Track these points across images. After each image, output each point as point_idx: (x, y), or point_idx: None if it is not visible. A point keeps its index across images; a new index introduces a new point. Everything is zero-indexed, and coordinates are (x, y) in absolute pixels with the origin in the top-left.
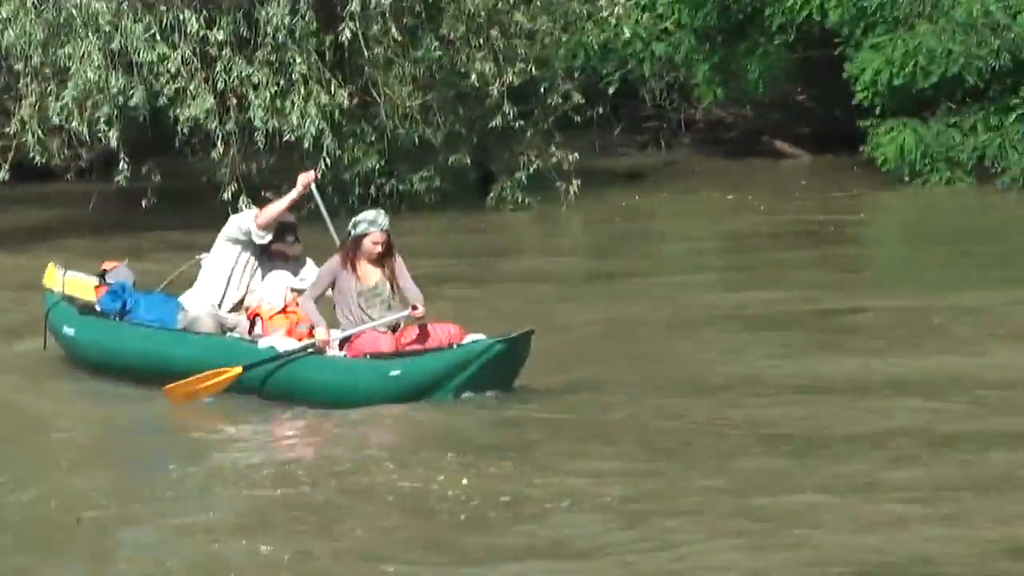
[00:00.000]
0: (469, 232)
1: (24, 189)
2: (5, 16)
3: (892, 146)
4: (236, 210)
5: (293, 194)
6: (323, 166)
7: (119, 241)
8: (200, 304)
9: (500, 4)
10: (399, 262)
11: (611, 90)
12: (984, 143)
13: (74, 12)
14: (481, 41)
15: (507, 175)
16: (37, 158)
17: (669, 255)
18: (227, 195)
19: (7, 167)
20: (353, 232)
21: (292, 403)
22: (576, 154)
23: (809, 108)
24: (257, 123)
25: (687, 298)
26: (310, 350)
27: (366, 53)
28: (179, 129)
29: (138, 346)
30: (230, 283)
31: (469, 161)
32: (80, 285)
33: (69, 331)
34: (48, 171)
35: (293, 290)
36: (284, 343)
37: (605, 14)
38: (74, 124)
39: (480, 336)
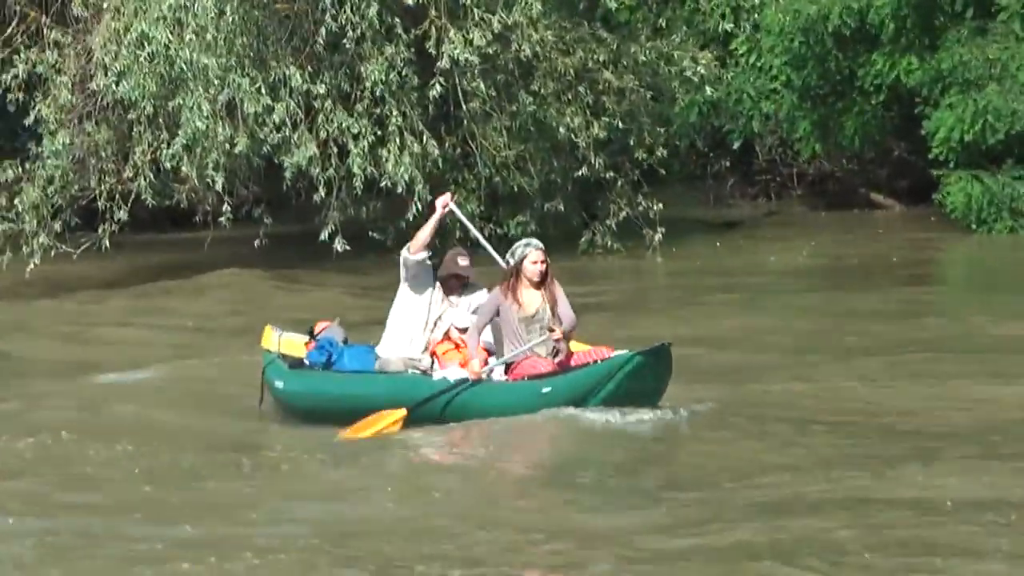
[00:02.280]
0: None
1: (150, 235)
2: (120, 69)
3: (961, 196)
4: (334, 250)
5: (434, 217)
6: (415, 210)
7: (228, 277)
8: (391, 349)
9: (590, 64)
10: (558, 288)
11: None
12: None
13: (184, 67)
14: (570, 97)
15: (599, 221)
16: (149, 200)
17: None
18: (325, 235)
19: (127, 207)
20: (512, 260)
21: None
22: (661, 204)
23: (909, 162)
24: (356, 170)
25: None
26: (464, 385)
27: (464, 107)
28: (284, 175)
29: (334, 390)
30: (415, 325)
31: (563, 207)
32: (293, 344)
33: (279, 384)
34: (181, 216)
35: (459, 328)
36: (456, 374)
37: (688, 74)
38: (184, 169)
39: (624, 352)
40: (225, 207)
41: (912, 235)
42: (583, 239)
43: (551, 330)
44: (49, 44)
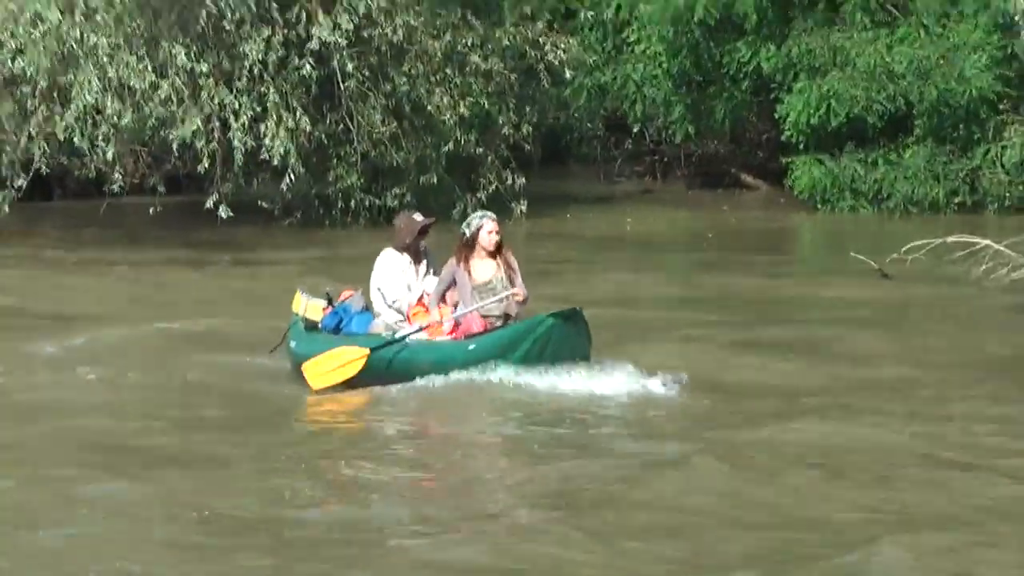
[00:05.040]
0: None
1: (74, 204)
2: (15, 47)
3: (805, 179)
4: (217, 216)
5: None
6: (288, 181)
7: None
8: (385, 315)
9: (459, 47)
10: (513, 258)
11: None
12: (882, 175)
13: (74, 45)
14: (438, 78)
15: (470, 194)
16: (44, 169)
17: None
18: (210, 203)
19: (26, 177)
20: (467, 232)
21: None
22: (523, 179)
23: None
24: (236, 144)
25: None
26: (418, 330)
27: (341, 86)
28: (172, 148)
29: (323, 349)
30: (402, 298)
31: (437, 181)
32: (316, 308)
33: (292, 344)
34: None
35: (429, 294)
36: (410, 329)
37: (551, 58)
38: (76, 140)
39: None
40: (116, 175)
41: (755, 212)
42: (455, 210)
43: (515, 294)
44: None
